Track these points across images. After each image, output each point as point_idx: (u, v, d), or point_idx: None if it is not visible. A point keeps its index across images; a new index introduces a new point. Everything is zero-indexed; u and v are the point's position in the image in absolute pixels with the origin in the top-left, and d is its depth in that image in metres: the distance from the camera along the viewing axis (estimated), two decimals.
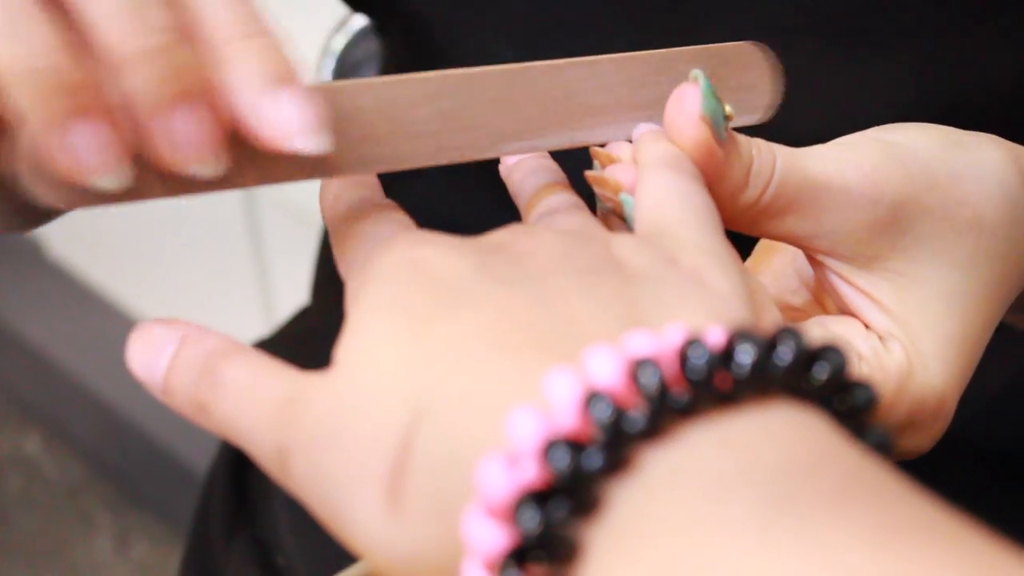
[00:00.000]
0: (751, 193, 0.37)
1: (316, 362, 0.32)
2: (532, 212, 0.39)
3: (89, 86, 0.30)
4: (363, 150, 0.35)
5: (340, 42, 0.87)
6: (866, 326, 0.39)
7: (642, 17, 0.50)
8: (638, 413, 0.26)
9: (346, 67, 0.87)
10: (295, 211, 1.31)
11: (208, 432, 0.34)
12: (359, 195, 0.37)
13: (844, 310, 0.40)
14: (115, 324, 1.61)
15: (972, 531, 0.24)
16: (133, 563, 1.52)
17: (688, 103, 0.37)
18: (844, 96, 0.50)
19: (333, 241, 0.37)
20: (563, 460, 0.26)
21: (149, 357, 0.34)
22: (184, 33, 0.31)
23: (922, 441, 0.39)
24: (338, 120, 0.34)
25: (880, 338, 0.39)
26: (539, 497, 0.26)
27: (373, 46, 0.86)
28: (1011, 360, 0.56)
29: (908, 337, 0.39)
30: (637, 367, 0.27)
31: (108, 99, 0.30)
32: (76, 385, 1.59)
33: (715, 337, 0.27)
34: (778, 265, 0.43)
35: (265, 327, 1.36)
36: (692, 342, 0.27)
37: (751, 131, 0.39)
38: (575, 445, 0.26)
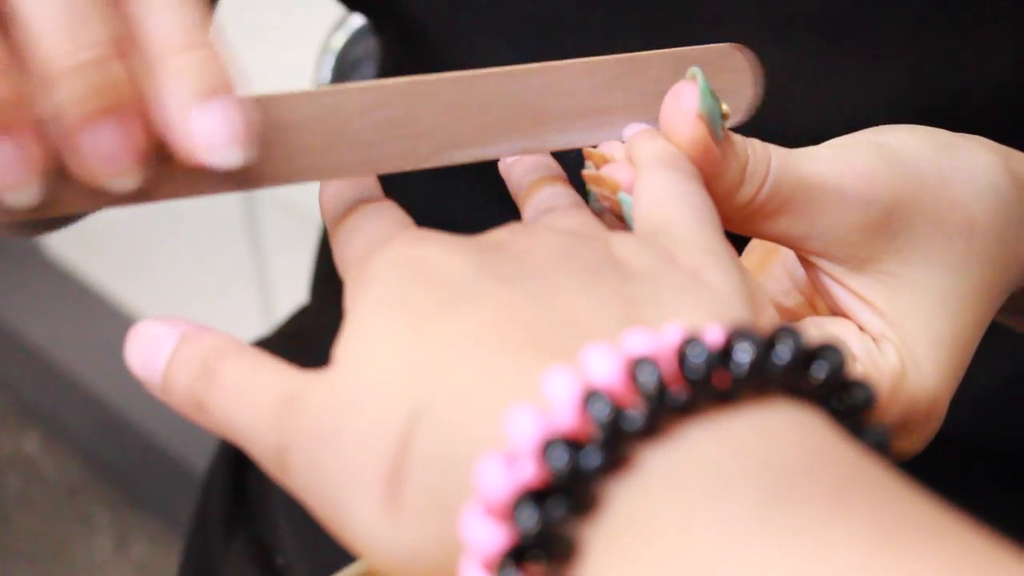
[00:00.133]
0: (746, 192, 0.37)
1: (315, 361, 0.32)
2: (528, 203, 0.39)
3: (13, 103, 0.30)
4: (299, 160, 0.35)
5: (339, 40, 0.87)
6: (860, 328, 0.39)
7: (641, 17, 0.50)
8: (637, 412, 0.26)
9: (345, 65, 0.87)
10: (294, 210, 1.31)
11: (207, 431, 0.34)
12: (358, 194, 0.37)
13: (836, 312, 0.40)
14: (114, 324, 1.61)
15: (970, 530, 0.24)
16: (132, 563, 1.51)
17: (685, 101, 0.37)
18: (840, 95, 0.50)
19: (332, 240, 0.37)
20: (561, 459, 0.26)
21: (148, 355, 0.34)
22: (123, 45, 0.31)
23: (915, 442, 0.40)
24: (273, 131, 0.34)
25: (874, 340, 0.39)
26: (537, 496, 0.26)
27: (372, 44, 0.86)
28: (1004, 361, 0.56)
29: (901, 339, 0.39)
30: (636, 366, 0.27)
31: (37, 114, 0.31)
32: (76, 385, 1.59)
33: (714, 336, 0.27)
34: (770, 266, 0.43)
35: (264, 326, 1.36)
36: (691, 341, 0.27)
37: (747, 131, 0.39)
38: (573, 444, 0.26)
